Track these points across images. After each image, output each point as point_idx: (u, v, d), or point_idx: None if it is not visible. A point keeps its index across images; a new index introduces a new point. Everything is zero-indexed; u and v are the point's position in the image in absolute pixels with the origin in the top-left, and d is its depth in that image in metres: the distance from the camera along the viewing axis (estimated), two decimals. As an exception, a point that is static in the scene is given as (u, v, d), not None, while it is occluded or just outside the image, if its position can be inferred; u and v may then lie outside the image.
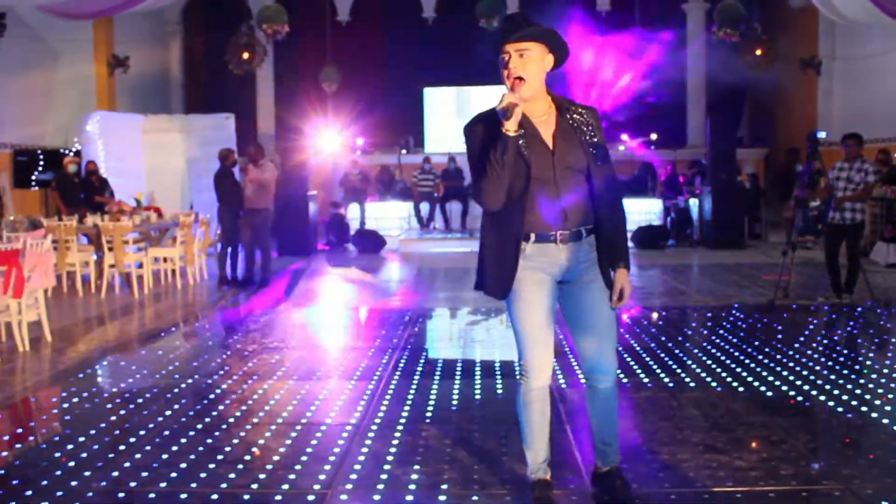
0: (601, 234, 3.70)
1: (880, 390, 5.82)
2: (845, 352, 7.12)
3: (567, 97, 3.79)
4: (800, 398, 5.69)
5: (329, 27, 19.01)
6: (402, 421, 5.32)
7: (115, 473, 4.46)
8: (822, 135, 10.54)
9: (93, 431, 5.21)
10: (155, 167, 16.73)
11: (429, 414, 5.49)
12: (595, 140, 3.64)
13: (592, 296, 3.71)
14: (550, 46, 3.57)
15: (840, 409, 5.43)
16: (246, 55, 16.91)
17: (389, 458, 4.64)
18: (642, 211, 17.44)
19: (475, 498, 4.04)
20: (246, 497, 4.10)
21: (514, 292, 3.70)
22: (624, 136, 19.78)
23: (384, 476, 4.36)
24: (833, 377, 6.18)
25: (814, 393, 5.79)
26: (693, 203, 17.17)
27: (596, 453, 3.98)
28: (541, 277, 3.68)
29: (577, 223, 3.65)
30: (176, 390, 6.18)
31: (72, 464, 4.61)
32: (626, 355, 6.98)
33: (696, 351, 7.20)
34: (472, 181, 3.70)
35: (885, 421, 5.17)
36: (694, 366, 6.66)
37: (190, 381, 6.47)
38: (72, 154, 15.89)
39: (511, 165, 3.52)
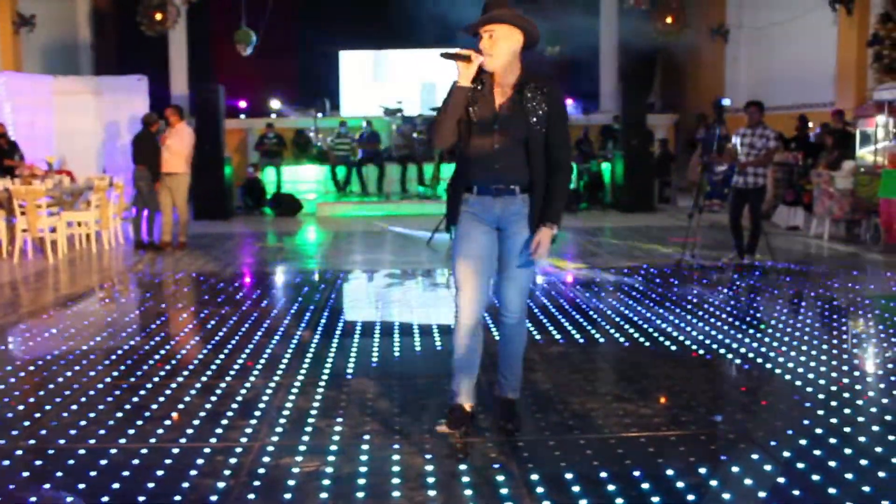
0: (535, 194, 4.17)
1: (775, 344, 6.22)
2: (745, 309, 7.53)
3: (539, 73, 4.22)
4: (701, 352, 6.05)
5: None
6: (324, 377, 5.50)
7: (43, 432, 4.54)
8: (726, 102, 10.88)
9: (16, 393, 5.26)
10: (65, 130, 16.35)
11: (350, 370, 5.67)
12: (539, 113, 4.11)
13: (514, 245, 4.20)
14: (517, 26, 4.06)
15: (738, 362, 5.80)
16: (158, 16, 16.62)
17: (313, 412, 4.82)
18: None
19: (396, 446, 4.26)
20: (175, 451, 4.24)
21: (456, 237, 4.27)
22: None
23: (309, 429, 4.54)
24: (733, 332, 6.56)
25: (714, 347, 6.15)
26: (605, 167, 17.58)
27: (497, 380, 4.53)
28: (478, 224, 4.22)
29: (511, 181, 4.15)
30: (99, 352, 6.23)
31: (-2, 424, 4.68)
32: (539, 314, 7.25)
33: (605, 309, 7.52)
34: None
35: (778, 371, 5.54)
36: (603, 323, 6.98)
37: (111, 343, 6.52)
38: (-22, 116, 15.46)
39: (458, 111, 4.09)
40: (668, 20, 17.59)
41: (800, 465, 3.98)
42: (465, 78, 4.04)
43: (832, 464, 3.99)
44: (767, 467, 3.96)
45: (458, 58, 3.99)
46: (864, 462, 4.01)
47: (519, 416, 4.47)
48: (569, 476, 3.88)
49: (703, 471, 3.91)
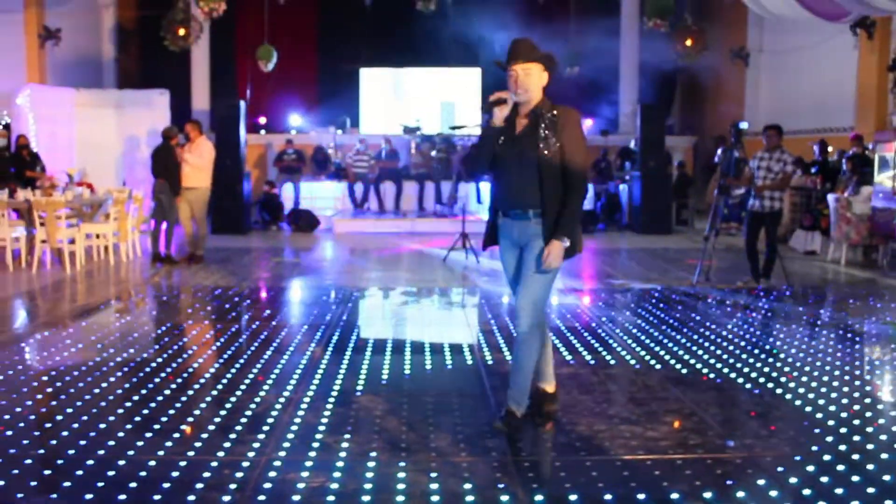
0: (547, 216, 4.49)
1: (786, 369, 6.19)
2: (758, 333, 7.49)
3: (554, 101, 4.64)
4: (712, 375, 6.03)
5: (266, 5, 18.90)
6: (334, 393, 5.52)
7: (53, 442, 4.59)
8: (744, 125, 10.91)
9: (28, 402, 5.31)
10: (87, 142, 16.53)
11: (359, 387, 5.69)
12: (550, 136, 4.47)
13: (527, 260, 4.61)
14: (545, 66, 4.58)
15: (748, 386, 5.78)
16: (182, 31, 16.76)
17: (321, 427, 4.84)
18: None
19: (402, 464, 4.27)
20: (182, 463, 4.27)
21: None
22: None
23: (316, 444, 4.56)
24: (744, 356, 6.54)
25: (725, 371, 6.13)
26: (623, 189, 17.58)
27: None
28: (507, 243, 4.75)
29: (525, 205, 4.55)
30: (111, 364, 6.28)
31: (9, 433, 4.71)
32: (551, 335, 7.23)
33: (617, 331, 7.51)
34: None
35: (788, 396, 5.52)
36: (615, 344, 6.97)
37: (124, 355, 6.57)
38: (1, 127, 15.65)
39: (490, 147, 4.60)
40: (688, 43, 17.59)
41: (806, 492, 3.96)
42: (501, 119, 4.54)
43: (839, 491, 3.96)
44: (773, 493, 3.94)
45: (497, 104, 4.48)
46: (871, 490, 3.99)
47: (519, 427, 4.72)
48: (573, 497, 3.88)
49: (708, 495, 3.90)
